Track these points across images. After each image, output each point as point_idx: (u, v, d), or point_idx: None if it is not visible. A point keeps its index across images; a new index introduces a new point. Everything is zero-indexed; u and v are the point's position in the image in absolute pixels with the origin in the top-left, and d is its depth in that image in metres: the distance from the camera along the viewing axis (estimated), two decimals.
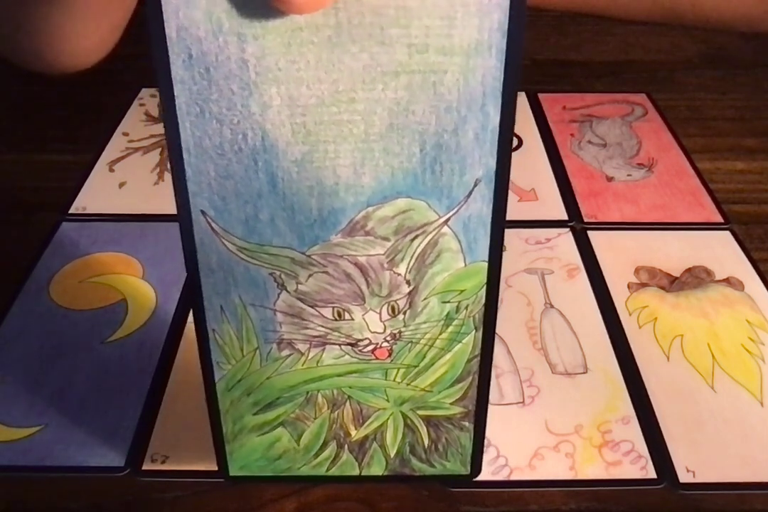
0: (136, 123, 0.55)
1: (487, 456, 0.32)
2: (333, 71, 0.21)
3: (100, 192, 0.48)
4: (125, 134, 0.53)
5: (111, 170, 0.50)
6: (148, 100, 0.57)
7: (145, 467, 0.32)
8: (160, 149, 0.52)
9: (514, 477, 0.32)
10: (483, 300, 0.25)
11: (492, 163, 0.22)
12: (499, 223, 0.24)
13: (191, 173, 0.22)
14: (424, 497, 0.31)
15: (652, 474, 0.32)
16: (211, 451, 0.29)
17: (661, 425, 0.34)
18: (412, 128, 0.22)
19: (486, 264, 0.24)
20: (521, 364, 0.36)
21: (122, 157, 0.51)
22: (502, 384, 0.35)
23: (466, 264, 0.24)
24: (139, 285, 0.41)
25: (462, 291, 0.25)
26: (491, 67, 0.21)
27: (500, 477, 0.32)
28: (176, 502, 0.31)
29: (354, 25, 0.20)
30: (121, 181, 0.49)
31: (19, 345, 0.37)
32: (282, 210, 0.23)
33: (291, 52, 0.20)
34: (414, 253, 0.24)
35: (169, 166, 0.23)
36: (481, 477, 0.31)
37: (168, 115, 0.21)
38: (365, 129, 0.22)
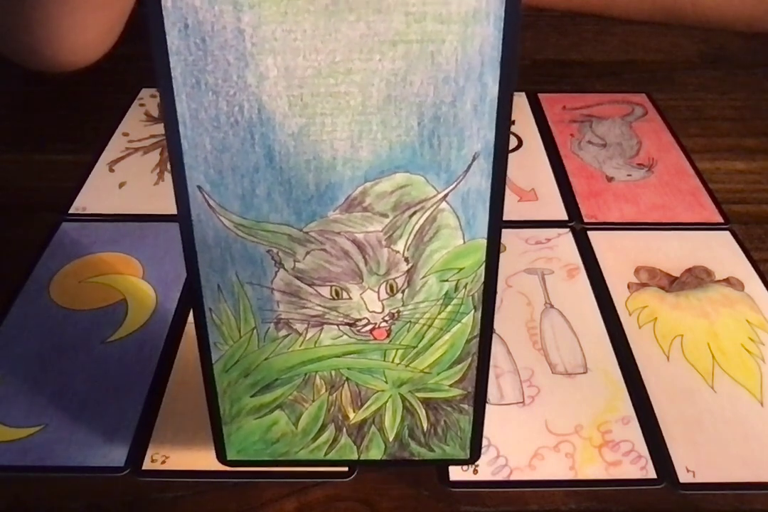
0: (136, 123, 0.55)
1: (487, 456, 0.32)
2: (330, 41, 0.20)
3: (100, 192, 0.48)
4: (125, 134, 0.53)
5: (111, 170, 0.50)
6: (148, 100, 0.57)
7: (145, 467, 0.32)
8: (160, 149, 0.52)
9: (514, 477, 0.32)
10: (482, 279, 0.25)
11: (491, 136, 0.22)
12: (499, 199, 0.23)
13: (187, 146, 0.22)
14: (424, 497, 0.31)
15: (652, 474, 0.32)
16: (212, 451, 0.29)
17: (661, 425, 0.34)
18: (410, 100, 0.21)
19: (485, 242, 0.24)
20: (521, 364, 0.36)
21: (122, 157, 0.51)
22: (502, 384, 0.35)
23: (464, 242, 0.24)
24: (139, 285, 0.41)
25: (461, 269, 0.25)
26: (489, 35, 0.21)
27: (500, 477, 0.32)
28: (176, 502, 0.31)
29: None
30: (121, 181, 0.49)
31: (19, 345, 0.37)
32: (279, 185, 0.23)
33: (287, 21, 0.20)
34: (412, 229, 0.24)
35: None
36: (481, 477, 0.31)
37: (164, 87, 0.21)
38: (362, 101, 0.21)
